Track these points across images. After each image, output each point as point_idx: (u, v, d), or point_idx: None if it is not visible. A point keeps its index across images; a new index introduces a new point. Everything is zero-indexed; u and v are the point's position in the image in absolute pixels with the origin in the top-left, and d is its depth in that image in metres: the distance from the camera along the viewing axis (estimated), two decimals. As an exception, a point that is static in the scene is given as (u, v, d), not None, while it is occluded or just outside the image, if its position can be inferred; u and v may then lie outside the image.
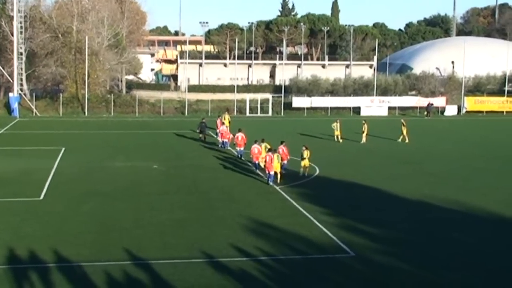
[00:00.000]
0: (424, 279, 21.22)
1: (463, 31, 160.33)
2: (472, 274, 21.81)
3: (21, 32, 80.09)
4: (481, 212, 30.15)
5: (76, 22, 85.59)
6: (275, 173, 36.29)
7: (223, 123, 53.07)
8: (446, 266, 22.44)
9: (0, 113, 78.38)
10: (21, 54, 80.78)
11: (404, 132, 55.82)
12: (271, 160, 36.05)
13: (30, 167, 40.88)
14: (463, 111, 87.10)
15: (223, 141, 50.59)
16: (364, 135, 55.05)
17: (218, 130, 54.51)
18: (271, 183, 36.01)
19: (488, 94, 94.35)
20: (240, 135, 44.99)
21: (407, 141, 55.31)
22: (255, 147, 39.42)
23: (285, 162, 38.86)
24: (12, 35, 79.73)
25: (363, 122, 56.09)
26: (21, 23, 79.81)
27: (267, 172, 36.66)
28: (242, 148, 44.54)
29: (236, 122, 55.16)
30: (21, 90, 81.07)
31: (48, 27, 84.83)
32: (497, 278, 21.62)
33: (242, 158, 44.11)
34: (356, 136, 56.18)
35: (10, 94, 79.29)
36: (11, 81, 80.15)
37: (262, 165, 38.39)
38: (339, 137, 55.31)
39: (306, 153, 38.47)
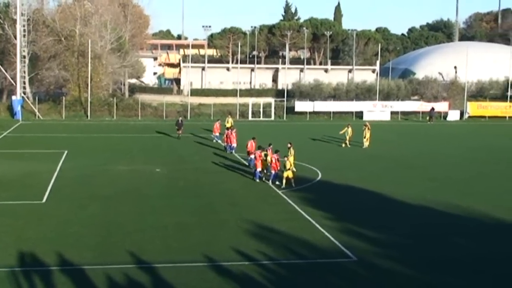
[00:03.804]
0: (426, 284, 21.21)
1: (465, 36, 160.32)
2: (474, 279, 21.79)
3: (24, 35, 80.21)
4: (483, 217, 30.12)
5: (79, 26, 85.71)
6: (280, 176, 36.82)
7: (230, 128, 52.58)
8: (448, 271, 22.43)
9: (3, 116, 78.43)
10: (24, 57, 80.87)
11: (367, 135, 55.19)
12: (259, 157, 38.26)
13: (33, 170, 40.91)
14: (466, 116, 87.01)
15: (230, 146, 50.37)
16: (365, 139, 54.94)
17: (215, 133, 57.16)
18: (257, 180, 38.23)
19: (490, 99, 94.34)
20: (250, 143, 44.25)
21: (366, 144, 54.77)
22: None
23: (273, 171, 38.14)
24: (15, 38, 79.84)
25: (364, 126, 55.92)
26: (24, 26, 79.92)
27: (257, 169, 38.45)
28: (252, 156, 43.42)
29: (238, 126, 55.18)
30: (24, 93, 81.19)
31: (51, 31, 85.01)
32: (499, 283, 21.62)
33: (251, 167, 42.84)
34: (358, 141, 55.96)
35: (13, 97, 79.31)
36: (14, 84, 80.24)
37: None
38: (348, 142, 54.93)
39: (288, 164, 36.81)
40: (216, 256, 23.18)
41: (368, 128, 55.45)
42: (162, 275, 21.28)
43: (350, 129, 55.27)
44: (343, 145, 55.10)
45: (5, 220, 28.35)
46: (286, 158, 36.93)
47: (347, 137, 55.11)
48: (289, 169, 36.58)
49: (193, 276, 21.29)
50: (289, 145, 40.59)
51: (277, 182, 36.96)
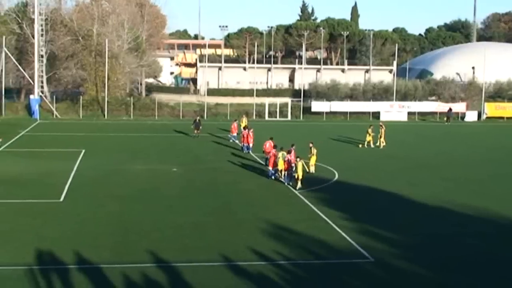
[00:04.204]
0: (441, 285, 21.17)
1: (483, 37, 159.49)
2: (490, 280, 21.73)
3: (42, 35, 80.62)
4: (499, 218, 30.02)
5: (96, 25, 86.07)
6: (294, 177, 36.46)
7: (246, 128, 52.64)
8: (464, 271, 22.38)
9: (21, 115, 78.93)
10: (42, 56, 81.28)
11: (383, 135, 55.09)
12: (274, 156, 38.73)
13: (50, 169, 41.13)
14: (484, 117, 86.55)
15: (246, 146, 50.50)
16: (381, 139, 54.80)
17: (232, 134, 57.19)
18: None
19: (509, 100, 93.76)
20: (268, 143, 44.13)
21: (384, 144, 54.81)
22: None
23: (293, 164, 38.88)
24: (33, 37, 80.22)
25: (380, 126, 55.85)
26: (42, 25, 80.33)
27: (270, 167, 38.99)
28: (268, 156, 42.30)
29: (255, 126, 55.11)
30: (42, 92, 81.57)
31: (69, 30, 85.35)
32: (516, 285, 21.59)
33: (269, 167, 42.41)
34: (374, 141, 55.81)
35: (31, 96, 79.74)
36: (32, 83, 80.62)
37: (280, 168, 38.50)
38: (371, 142, 54.85)
39: (300, 165, 36.22)
40: (233, 256, 23.23)
41: (383, 128, 55.38)
42: (179, 274, 21.36)
43: (370, 129, 54.99)
44: (360, 145, 55.06)
45: (24, 219, 28.56)
46: (298, 159, 36.52)
47: (369, 138, 54.78)
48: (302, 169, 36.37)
49: (210, 276, 21.36)
50: (310, 145, 41.06)
51: (291, 183, 36.79)
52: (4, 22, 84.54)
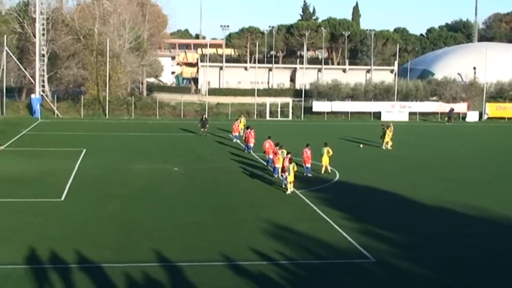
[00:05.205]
0: (443, 285, 21.14)
1: (485, 37, 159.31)
2: (492, 280, 21.69)
3: (43, 34, 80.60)
4: (500, 219, 29.98)
5: (97, 25, 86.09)
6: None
7: (249, 127, 52.53)
8: (465, 272, 22.34)
9: (22, 114, 78.91)
10: (43, 55, 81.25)
11: (390, 136, 54.44)
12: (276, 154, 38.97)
13: (52, 168, 41.12)
14: (485, 117, 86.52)
15: (247, 145, 50.57)
16: (384, 140, 54.61)
17: (235, 133, 57.30)
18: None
19: (510, 100, 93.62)
20: (267, 143, 43.96)
21: (390, 145, 54.24)
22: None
23: (308, 165, 39.51)
24: (35, 37, 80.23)
25: (383, 126, 55.76)
26: (43, 25, 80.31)
27: (275, 165, 39.02)
28: (271, 156, 42.11)
29: (256, 126, 55.07)
30: (43, 91, 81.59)
31: (70, 29, 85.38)
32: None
33: (269, 166, 42.17)
34: (375, 141, 55.74)
35: (32, 96, 79.77)
36: (33, 82, 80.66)
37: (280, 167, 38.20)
38: (388, 143, 54.43)
39: (292, 167, 35.05)
40: (234, 256, 23.21)
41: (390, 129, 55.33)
42: (180, 273, 21.34)
43: (388, 130, 54.47)
44: (361, 145, 55.08)
45: (25, 218, 28.56)
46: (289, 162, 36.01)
47: (387, 139, 54.21)
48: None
49: (211, 275, 21.33)
50: (323, 146, 40.98)
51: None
52: (6, 21, 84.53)
